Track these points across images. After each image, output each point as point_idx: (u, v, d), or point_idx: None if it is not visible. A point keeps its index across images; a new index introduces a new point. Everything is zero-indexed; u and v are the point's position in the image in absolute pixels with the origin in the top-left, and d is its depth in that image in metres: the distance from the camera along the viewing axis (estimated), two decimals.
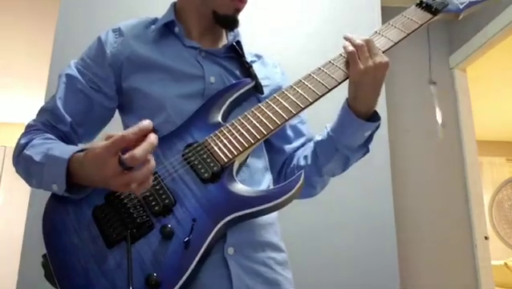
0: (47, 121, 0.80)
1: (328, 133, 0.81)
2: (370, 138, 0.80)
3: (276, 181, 0.93)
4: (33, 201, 1.48)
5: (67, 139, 0.81)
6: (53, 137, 0.77)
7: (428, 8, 0.82)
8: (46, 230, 0.68)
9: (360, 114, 0.77)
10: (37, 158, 0.69)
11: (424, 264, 2.30)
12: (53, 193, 0.71)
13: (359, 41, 0.75)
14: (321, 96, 0.74)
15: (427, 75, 2.54)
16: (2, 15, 2.85)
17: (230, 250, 0.71)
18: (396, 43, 0.78)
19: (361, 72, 0.73)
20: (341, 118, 0.79)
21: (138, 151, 0.55)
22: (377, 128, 0.79)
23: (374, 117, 0.78)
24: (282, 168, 0.92)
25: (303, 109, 0.74)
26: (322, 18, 1.89)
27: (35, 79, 3.41)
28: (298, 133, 0.93)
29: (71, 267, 0.64)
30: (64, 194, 0.67)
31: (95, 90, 0.82)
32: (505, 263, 4.01)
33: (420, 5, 0.83)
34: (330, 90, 0.75)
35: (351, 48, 0.75)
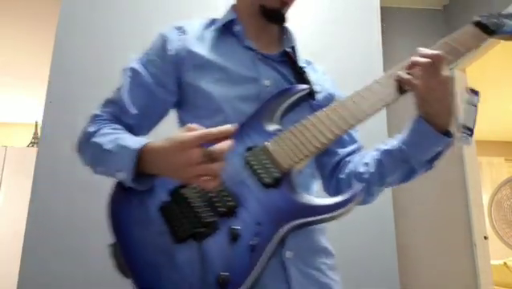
0: (113, 112, 0.82)
1: (399, 145, 0.78)
2: (438, 155, 0.77)
3: (325, 184, 0.92)
4: (34, 200, 1.48)
5: (129, 131, 0.81)
6: (120, 128, 0.78)
7: (483, 28, 0.82)
8: (115, 221, 0.70)
9: (436, 128, 0.74)
10: (107, 146, 0.71)
11: (423, 264, 2.30)
12: (117, 186, 0.72)
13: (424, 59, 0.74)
14: (379, 110, 0.75)
15: None
16: (2, 15, 2.85)
17: (289, 254, 0.73)
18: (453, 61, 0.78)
19: (428, 88, 0.72)
20: (416, 131, 0.76)
21: (225, 144, 0.59)
22: (449, 145, 0.76)
23: (448, 133, 0.75)
24: (333, 171, 0.91)
25: (362, 121, 0.74)
26: (321, 18, 1.89)
27: (36, 78, 3.42)
28: (352, 139, 0.93)
29: (142, 260, 0.66)
30: (130, 184, 0.68)
31: (158, 84, 0.83)
32: (505, 263, 4.02)
33: (476, 24, 0.82)
34: (388, 104, 0.75)
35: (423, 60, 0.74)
